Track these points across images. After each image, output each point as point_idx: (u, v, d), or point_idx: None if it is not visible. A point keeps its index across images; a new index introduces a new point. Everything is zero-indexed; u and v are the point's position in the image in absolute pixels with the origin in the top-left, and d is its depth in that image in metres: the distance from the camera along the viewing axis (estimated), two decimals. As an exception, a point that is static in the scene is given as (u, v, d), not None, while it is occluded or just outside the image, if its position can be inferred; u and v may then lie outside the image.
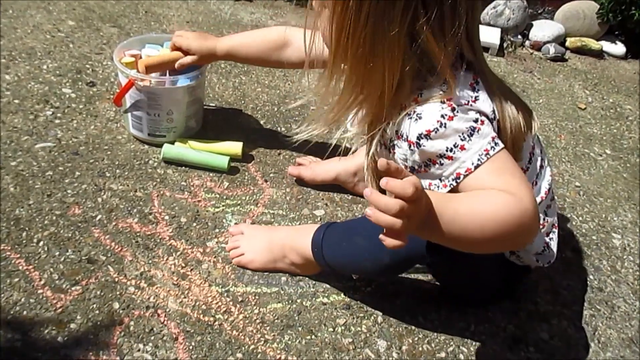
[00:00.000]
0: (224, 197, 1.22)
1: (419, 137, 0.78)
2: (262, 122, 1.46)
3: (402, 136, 0.81)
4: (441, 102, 0.78)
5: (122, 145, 1.30)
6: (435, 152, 0.78)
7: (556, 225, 0.99)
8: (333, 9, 0.76)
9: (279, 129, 1.45)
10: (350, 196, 1.27)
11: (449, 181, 0.79)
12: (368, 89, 0.81)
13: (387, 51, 0.75)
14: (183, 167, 1.27)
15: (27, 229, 1.07)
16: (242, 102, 1.52)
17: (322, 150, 1.37)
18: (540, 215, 0.95)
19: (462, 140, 0.77)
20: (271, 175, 1.30)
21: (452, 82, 0.78)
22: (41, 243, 1.05)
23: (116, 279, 1.01)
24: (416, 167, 0.82)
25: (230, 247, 1.09)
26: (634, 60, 2.18)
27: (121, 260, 1.04)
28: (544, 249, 0.97)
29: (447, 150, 0.77)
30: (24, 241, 1.04)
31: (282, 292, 1.04)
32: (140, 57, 1.30)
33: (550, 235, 0.97)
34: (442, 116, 0.77)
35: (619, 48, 2.17)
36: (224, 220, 1.17)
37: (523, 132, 0.84)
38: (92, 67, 1.55)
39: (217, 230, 1.14)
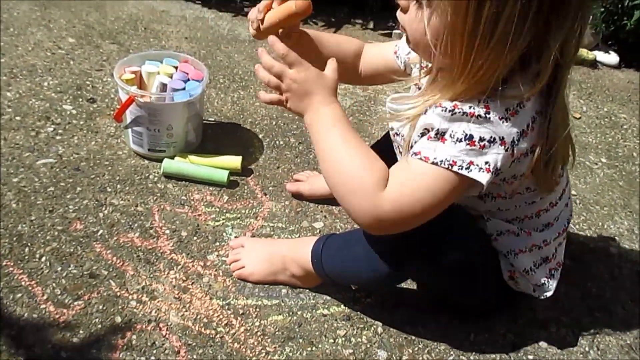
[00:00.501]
0: (224, 211, 1.23)
1: (429, 107, 0.76)
2: (260, 136, 1.47)
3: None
4: (484, 99, 0.73)
5: (123, 161, 1.32)
6: (426, 124, 0.76)
7: (561, 263, 0.99)
8: (454, 16, 0.69)
9: (277, 142, 1.46)
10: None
11: (412, 151, 0.77)
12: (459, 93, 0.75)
13: (503, 61, 0.70)
14: (183, 182, 1.28)
15: (29, 244, 1.08)
16: (241, 116, 1.54)
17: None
18: (553, 250, 0.96)
19: (450, 136, 0.74)
20: (270, 188, 1.31)
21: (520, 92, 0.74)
22: (43, 258, 1.06)
23: (118, 294, 1.02)
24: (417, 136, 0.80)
25: (231, 260, 1.11)
26: (627, 69, 2.20)
27: (123, 275, 1.05)
28: (544, 283, 0.97)
29: (433, 130, 0.75)
30: (27, 257, 1.05)
31: (282, 304, 1.05)
32: (140, 74, 1.32)
33: (553, 272, 0.98)
34: (470, 107, 0.73)
35: (612, 58, 2.20)
36: (224, 234, 1.18)
37: (554, 169, 0.83)
38: (92, 83, 1.57)
39: (217, 243, 1.15)
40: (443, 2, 0.69)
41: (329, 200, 1.28)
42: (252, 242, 1.13)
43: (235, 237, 1.17)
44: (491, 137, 0.73)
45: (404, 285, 1.11)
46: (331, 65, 0.86)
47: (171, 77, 1.32)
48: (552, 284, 0.98)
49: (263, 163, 1.38)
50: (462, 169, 0.73)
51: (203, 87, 1.31)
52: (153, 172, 1.30)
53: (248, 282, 1.08)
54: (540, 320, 1.10)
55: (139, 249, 1.11)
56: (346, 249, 0.99)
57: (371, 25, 2.15)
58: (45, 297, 0.99)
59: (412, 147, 0.79)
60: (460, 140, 0.73)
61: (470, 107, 0.73)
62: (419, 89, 0.90)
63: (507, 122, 0.73)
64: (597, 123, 1.82)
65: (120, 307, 0.99)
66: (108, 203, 1.20)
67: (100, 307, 0.99)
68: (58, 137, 1.35)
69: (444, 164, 0.73)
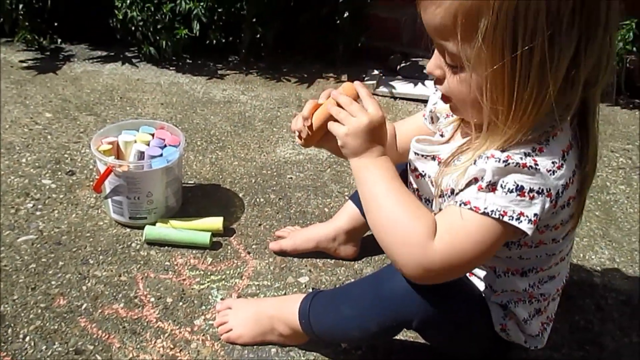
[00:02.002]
0: (209, 273, 1.23)
1: (480, 157, 0.76)
2: (240, 195, 1.49)
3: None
4: (532, 149, 0.74)
5: (104, 231, 1.32)
6: (480, 174, 0.76)
7: (552, 319, 1.00)
8: (491, 62, 0.70)
9: (257, 200, 1.48)
10: (333, 260, 1.29)
11: (455, 200, 0.78)
12: (514, 134, 0.74)
13: (545, 93, 0.71)
14: (166, 247, 1.28)
15: (12, 325, 1.06)
16: (220, 177, 1.56)
17: (301, 217, 1.41)
18: (546, 303, 0.96)
19: (501, 186, 0.74)
20: (253, 246, 1.32)
21: (555, 134, 0.76)
22: (27, 338, 1.04)
23: (105, 368, 1.00)
24: (464, 186, 0.79)
25: (218, 323, 1.10)
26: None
27: (109, 348, 1.04)
28: (538, 334, 0.97)
29: (483, 181, 0.75)
30: (10, 338, 1.04)
31: (272, 364, 1.04)
32: (117, 144, 1.34)
33: (545, 326, 0.99)
34: (521, 158, 0.73)
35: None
36: (210, 297, 1.17)
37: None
38: (70, 156, 1.58)
39: (203, 307, 1.15)
40: (479, 57, 0.71)
41: (312, 253, 1.29)
42: (239, 303, 1.13)
43: (222, 299, 1.17)
44: (540, 188, 0.74)
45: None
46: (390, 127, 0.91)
47: (148, 145, 1.34)
48: (545, 336, 0.99)
49: (245, 222, 1.39)
50: (512, 219, 0.74)
51: (180, 151, 1.33)
52: (135, 240, 1.30)
53: (237, 345, 1.06)
54: (532, 358, 1.10)
55: (125, 319, 1.10)
56: (334, 308, 0.98)
57: (344, 77, 2.21)
58: (30, 379, 0.97)
59: (453, 193, 0.80)
60: (512, 191, 0.74)
61: (521, 158, 0.74)
62: (442, 135, 0.93)
63: (553, 174, 0.75)
64: (569, 156, 1.87)
65: (107, 382, 0.98)
66: (91, 275, 1.20)
67: (87, 384, 0.97)
68: (38, 213, 1.35)
69: (495, 214, 0.74)
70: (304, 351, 1.06)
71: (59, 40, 2.30)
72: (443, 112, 0.96)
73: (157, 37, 2.13)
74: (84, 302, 1.13)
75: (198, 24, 2.11)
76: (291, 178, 1.57)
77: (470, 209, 0.76)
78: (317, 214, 1.43)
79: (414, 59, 2.24)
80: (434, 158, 0.89)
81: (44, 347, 1.03)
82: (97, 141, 1.33)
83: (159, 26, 2.11)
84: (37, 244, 1.26)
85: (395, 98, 2.07)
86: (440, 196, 0.85)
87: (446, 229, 0.77)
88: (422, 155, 0.91)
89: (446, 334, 0.96)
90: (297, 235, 1.30)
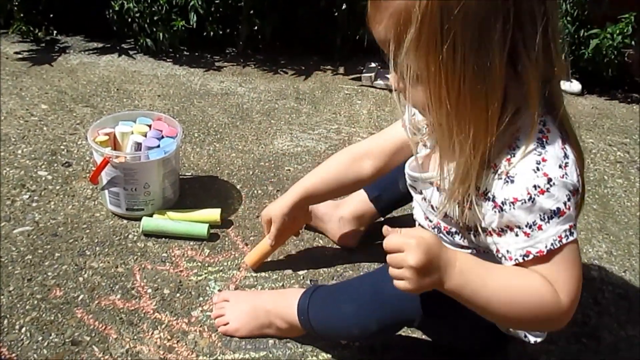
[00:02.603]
0: (206, 265, 1.23)
1: (504, 202, 0.76)
2: (238, 187, 1.48)
3: (488, 196, 0.78)
4: (537, 164, 0.75)
5: (101, 222, 1.31)
6: (515, 222, 0.76)
7: None
8: (427, 71, 0.71)
9: (255, 191, 1.47)
10: (331, 252, 1.29)
11: (515, 255, 0.78)
12: (474, 141, 0.75)
13: (490, 89, 0.71)
14: (163, 239, 1.28)
15: (8, 316, 1.06)
16: (218, 168, 1.55)
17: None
18: None
19: (541, 220, 0.75)
20: (251, 238, 1.31)
21: (546, 137, 0.76)
22: (23, 329, 1.04)
23: (102, 359, 1.00)
24: (493, 229, 0.79)
25: (215, 315, 1.09)
26: (590, 95, 2.27)
27: (106, 339, 1.03)
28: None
29: (526, 226, 0.76)
30: (6, 329, 1.03)
31: (270, 355, 1.04)
32: (114, 135, 1.33)
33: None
34: (535, 187, 0.74)
35: (575, 86, 2.27)
36: (208, 288, 1.17)
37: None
38: (67, 147, 1.57)
39: (201, 298, 1.14)
40: (416, 66, 0.72)
41: (310, 244, 1.28)
42: (236, 295, 1.13)
43: (219, 290, 1.16)
44: (567, 195, 0.75)
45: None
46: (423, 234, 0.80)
47: (145, 136, 1.33)
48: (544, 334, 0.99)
49: (242, 213, 1.39)
50: (568, 237, 0.76)
51: (177, 143, 1.33)
52: (132, 232, 1.29)
53: (234, 337, 1.06)
54: (529, 352, 1.10)
55: (121, 311, 1.10)
56: (333, 306, 0.98)
57: (341, 70, 2.20)
58: (26, 370, 0.96)
59: (481, 229, 0.81)
60: (552, 217, 0.75)
61: (535, 187, 0.74)
62: (425, 145, 0.92)
63: (567, 176, 0.75)
64: (567, 150, 1.86)
65: (104, 373, 0.97)
66: (88, 266, 1.19)
67: (84, 374, 0.97)
68: (34, 204, 1.34)
69: (556, 244, 0.75)
70: (301, 343, 1.06)
71: (55, 32, 2.28)
72: (422, 122, 0.94)
73: (154, 29, 2.12)
74: (80, 293, 1.13)
75: (195, 16, 2.10)
76: (289, 170, 1.57)
77: (535, 256, 0.76)
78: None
79: (412, 52, 2.23)
80: (431, 183, 0.89)
81: (40, 338, 1.02)
82: (94, 132, 1.32)
83: (155, 18, 2.10)
84: (34, 235, 1.25)
85: (392, 91, 2.06)
86: (466, 229, 0.85)
87: (556, 282, 0.77)
88: (419, 181, 0.91)
89: (447, 329, 0.96)
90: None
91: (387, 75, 2.09)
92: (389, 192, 1.24)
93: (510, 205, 0.76)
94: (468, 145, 0.74)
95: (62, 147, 1.57)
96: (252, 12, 2.15)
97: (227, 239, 1.30)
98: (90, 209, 1.35)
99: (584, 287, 1.24)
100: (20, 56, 2.09)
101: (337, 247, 1.30)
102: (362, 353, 1.05)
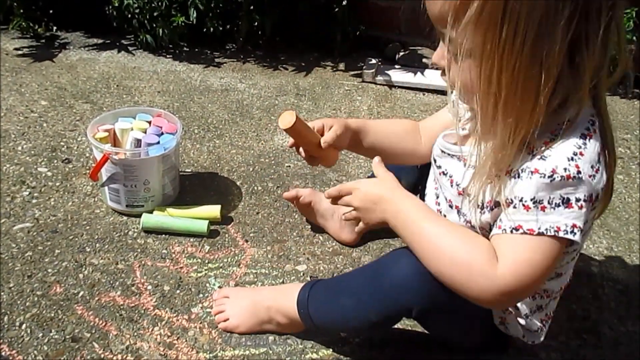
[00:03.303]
0: (206, 261, 1.23)
1: (523, 170, 0.76)
2: (238, 183, 1.48)
3: (513, 173, 0.77)
4: (573, 154, 0.74)
5: (101, 219, 1.31)
6: (520, 193, 0.76)
7: (550, 317, 0.99)
8: (482, 48, 0.71)
9: (255, 188, 1.47)
10: (331, 248, 1.28)
11: (505, 225, 0.77)
12: (517, 127, 0.74)
13: (545, 76, 0.70)
14: (163, 235, 1.28)
15: (8, 312, 1.06)
16: (218, 165, 1.55)
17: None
18: (547, 301, 0.95)
19: (549, 202, 0.74)
20: (251, 235, 1.31)
21: (590, 135, 0.75)
22: (24, 326, 1.04)
23: (102, 356, 1.00)
24: (491, 206, 0.80)
25: (215, 311, 1.09)
26: (591, 91, 2.27)
27: (106, 336, 1.03)
28: (537, 330, 0.97)
29: (530, 200, 0.75)
30: (6, 326, 1.03)
31: (270, 351, 1.04)
32: (114, 132, 1.33)
33: (545, 323, 0.98)
34: (565, 169, 0.73)
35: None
36: (208, 285, 1.17)
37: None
38: (66, 144, 1.57)
39: (201, 295, 1.14)
40: (473, 43, 0.71)
41: (310, 241, 1.28)
42: (236, 292, 1.13)
43: (219, 287, 1.16)
44: (585, 196, 0.74)
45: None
46: (379, 170, 0.94)
47: (145, 132, 1.33)
48: (543, 332, 0.98)
49: (242, 210, 1.39)
50: (566, 233, 0.75)
51: (177, 139, 1.32)
52: (132, 228, 1.29)
53: (234, 333, 1.06)
54: (529, 347, 1.09)
55: (122, 307, 1.10)
56: (332, 299, 0.98)
57: (341, 66, 2.20)
58: (26, 366, 0.96)
59: (490, 206, 0.81)
60: (559, 205, 0.74)
61: (565, 169, 0.73)
62: (463, 129, 0.91)
63: (594, 179, 0.75)
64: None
65: (104, 369, 0.97)
66: (88, 263, 1.19)
67: (84, 371, 0.97)
68: (34, 201, 1.34)
69: (549, 231, 0.75)
70: (301, 339, 1.06)
71: (55, 28, 2.28)
72: (463, 108, 0.93)
73: (154, 25, 2.12)
74: (80, 289, 1.13)
75: (195, 12, 2.09)
76: (289, 166, 1.56)
77: (524, 232, 0.76)
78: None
79: (412, 48, 2.23)
80: (459, 158, 0.89)
81: (40, 335, 1.02)
82: (94, 129, 1.32)
83: (155, 14, 2.10)
84: (34, 232, 1.25)
85: (392, 87, 2.06)
86: (479, 207, 0.83)
87: (507, 258, 0.77)
88: (448, 154, 0.91)
89: (446, 322, 0.96)
90: (315, 191, 1.31)
91: (387, 72, 2.08)
92: None
93: (528, 174, 0.75)
94: (509, 130, 0.74)
95: (62, 143, 1.57)
96: (252, 7, 2.14)
97: (227, 235, 1.30)
98: (90, 206, 1.35)
99: (584, 282, 1.26)
100: (20, 52, 2.08)
101: (338, 243, 1.30)
102: (361, 349, 1.06)
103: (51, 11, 2.25)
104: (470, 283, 0.78)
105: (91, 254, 1.21)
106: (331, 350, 1.05)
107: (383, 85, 2.06)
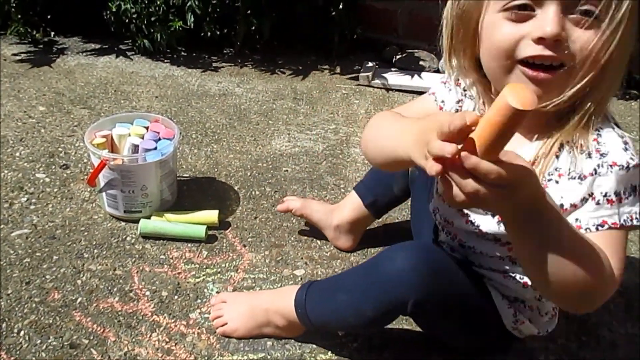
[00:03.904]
0: (204, 267, 1.23)
1: (600, 166, 0.75)
2: (236, 188, 1.48)
3: (571, 175, 0.78)
4: (624, 144, 0.76)
5: (99, 225, 1.31)
6: (603, 188, 0.75)
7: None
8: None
9: (253, 192, 1.47)
10: (329, 253, 1.29)
11: (587, 224, 0.76)
12: (601, 107, 0.77)
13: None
14: (161, 240, 1.28)
15: (6, 319, 1.06)
16: (215, 170, 1.55)
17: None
18: None
19: (624, 193, 0.75)
20: (249, 239, 1.31)
21: (616, 123, 0.78)
22: (22, 332, 1.04)
23: (100, 362, 1.00)
24: (570, 204, 0.78)
25: (213, 316, 1.09)
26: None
27: (104, 342, 1.03)
28: (551, 317, 0.99)
29: (614, 194, 0.75)
30: (4, 332, 1.03)
31: (268, 356, 1.04)
32: (111, 137, 1.33)
33: (555, 310, 1.00)
34: (631, 158, 0.75)
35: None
36: (206, 290, 1.17)
37: None
38: (64, 149, 1.57)
39: (199, 300, 1.14)
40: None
41: (308, 246, 1.28)
42: (234, 296, 1.13)
43: (217, 292, 1.16)
44: None
45: (390, 326, 1.10)
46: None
47: (142, 138, 1.33)
48: (556, 317, 1.00)
49: (240, 215, 1.39)
50: (638, 220, 0.75)
51: (175, 144, 1.33)
52: (130, 234, 1.29)
53: (232, 338, 1.06)
54: (529, 349, 1.10)
55: (120, 313, 1.10)
56: (329, 295, 0.98)
57: (338, 70, 2.20)
58: (24, 373, 0.96)
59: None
60: (631, 194, 0.75)
61: (632, 159, 0.75)
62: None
63: None
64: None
65: (102, 376, 0.97)
66: (86, 269, 1.19)
67: (82, 378, 0.97)
68: (32, 207, 1.34)
69: (627, 222, 0.75)
70: (299, 344, 1.06)
71: (52, 33, 2.28)
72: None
73: (151, 30, 2.12)
74: (78, 296, 1.13)
75: (192, 17, 2.09)
76: (287, 171, 1.57)
77: (610, 227, 0.75)
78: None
79: (409, 51, 2.23)
80: None
81: (38, 342, 1.02)
82: (91, 134, 1.32)
83: (152, 19, 2.10)
84: (32, 238, 1.25)
85: (389, 90, 2.06)
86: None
87: (614, 259, 0.73)
88: None
89: (440, 321, 0.96)
90: (307, 202, 1.31)
91: (384, 75, 2.08)
92: (384, 197, 1.24)
93: (608, 169, 0.75)
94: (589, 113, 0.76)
95: (60, 149, 1.57)
96: (249, 11, 2.14)
97: (225, 240, 1.30)
98: (88, 212, 1.35)
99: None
100: (18, 58, 2.09)
101: (336, 247, 1.30)
102: (360, 352, 1.06)
103: (49, 16, 2.25)
104: (601, 287, 0.72)
105: (89, 260, 1.21)
106: (329, 354, 1.05)
107: (380, 88, 2.06)
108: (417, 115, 0.90)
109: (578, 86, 0.74)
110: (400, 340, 1.09)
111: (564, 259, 0.67)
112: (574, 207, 0.78)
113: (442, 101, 0.96)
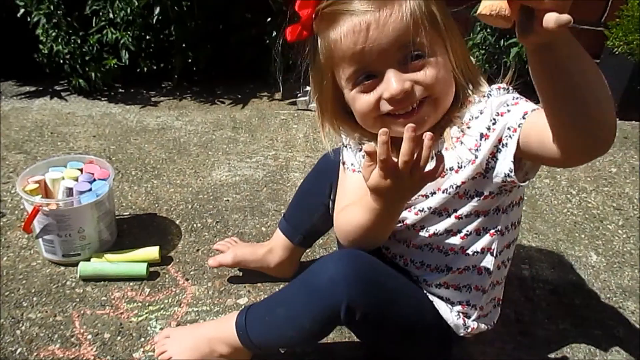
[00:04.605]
0: (147, 304, 1.23)
1: (492, 90, 0.89)
2: (177, 222, 1.49)
3: (470, 121, 0.89)
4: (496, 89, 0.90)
5: (38, 271, 1.30)
6: (504, 99, 0.86)
7: (500, 299, 1.08)
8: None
9: (194, 225, 1.48)
10: (271, 278, 1.30)
11: (517, 122, 0.82)
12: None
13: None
14: (102, 282, 1.27)
15: (-59, 378, 1.04)
16: (156, 205, 1.55)
17: (239, 239, 1.41)
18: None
19: (514, 98, 0.86)
20: (192, 272, 1.32)
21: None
22: (-42, 390, 1.02)
23: (42, 412, 0.99)
24: (482, 156, 0.87)
25: (157, 353, 1.09)
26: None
27: (45, 391, 1.02)
28: (495, 306, 1.05)
29: (513, 98, 0.85)
30: (-61, 392, 1.01)
31: (214, 389, 1.04)
32: (45, 182, 1.33)
33: (496, 304, 1.06)
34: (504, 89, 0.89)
35: (502, 92, 2.38)
36: (149, 328, 1.17)
37: None
38: (0, 197, 1.55)
39: (142, 339, 1.14)
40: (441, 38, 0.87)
41: (251, 274, 1.30)
42: (177, 331, 1.13)
43: (161, 329, 1.16)
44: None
45: (338, 340, 1.12)
46: None
47: (77, 180, 1.33)
48: (499, 308, 1.06)
49: (182, 249, 1.39)
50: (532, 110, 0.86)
51: (110, 184, 1.33)
52: (70, 278, 1.28)
53: (177, 374, 1.07)
54: (468, 351, 1.14)
55: (61, 360, 1.09)
56: (268, 314, 1.00)
57: (277, 96, 2.24)
58: None
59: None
60: (515, 98, 0.89)
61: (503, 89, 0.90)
62: None
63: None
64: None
65: None
66: (25, 318, 1.17)
67: None
68: (-34, 259, 1.32)
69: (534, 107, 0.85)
70: (245, 372, 1.07)
71: (-16, 79, 2.25)
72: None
73: (86, 69, 2.12)
74: (18, 346, 1.11)
75: (127, 53, 2.11)
76: (228, 200, 1.58)
77: (533, 110, 0.82)
78: (255, 234, 1.45)
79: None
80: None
81: (-24, 398, 1.00)
82: (23, 181, 1.31)
83: (87, 58, 2.10)
84: (-33, 291, 1.23)
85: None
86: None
87: None
88: None
89: (377, 329, 0.98)
90: (238, 248, 1.31)
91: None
92: (310, 231, 1.26)
93: (498, 91, 0.89)
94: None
95: (-6, 197, 1.55)
96: (184, 45, 2.17)
97: (167, 275, 1.31)
98: (26, 259, 1.33)
99: (515, 286, 1.32)
100: (-52, 107, 2.05)
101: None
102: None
103: (-21, 62, 2.22)
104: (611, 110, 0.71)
105: (28, 309, 1.20)
106: (274, 380, 1.07)
107: (318, 111, 2.11)
108: (357, 190, 0.98)
109: (448, 99, 0.90)
110: (346, 354, 1.12)
111: (598, 82, 0.68)
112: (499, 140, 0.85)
113: (352, 164, 1.03)
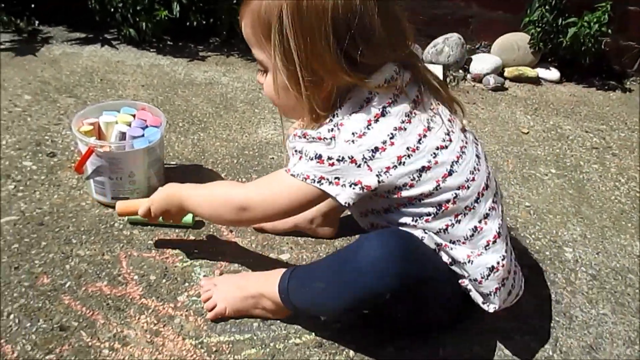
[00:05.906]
0: (192, 252, 1.25)
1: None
2: (223, 175, 1.50)
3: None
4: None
5: (87, 211, 1.33)
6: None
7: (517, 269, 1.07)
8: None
9: (240, 180, 1.50)
10: (315, 239, 1.32)
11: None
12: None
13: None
14: (149, 227, 1.30)
15: (-4, 303, 1.08)
16: (202, 157, 1.57)
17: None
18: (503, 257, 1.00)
19: (305, 154, 0.92)
20: (235, 225, 1.34)
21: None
22: (12, 316, 1.06)
23: (90, 343, 1.02)
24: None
25: (204, 298, 1.12)
26: (568, 83, 2.32)
27: (93, 324, 1.06)
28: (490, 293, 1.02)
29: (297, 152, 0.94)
30: (-6, 316, 1.05)
31: (255, 337, 1.07)
32: (99, 125, 1.35)
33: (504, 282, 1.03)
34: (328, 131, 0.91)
35: (553, 73, 2.32)
36: (193, 274, 1.19)
37: None
38: (51, 138, 1.58)
39: (186, 284, 1.17)
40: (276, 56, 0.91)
41: (293, 232, 1.31)
42: (223, 280, 1.15)
43: (204, 276, 1.19)
44: (333, 157, 0.91)
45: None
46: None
47: (129, 125, 1.35)
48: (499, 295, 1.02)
49: (227, 201, 1.41)
50: (304, 180, 0.94)
51: (162, 132, 1.34)
52: (118, 220, 1.31)
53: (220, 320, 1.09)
54: (502, 329, 1.14)
55: (108, 297, 1.12)
56: (308, 284, 1.02)
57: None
58: (15, 355, 0.99)
59: None
60: (312, 159, 0.93)
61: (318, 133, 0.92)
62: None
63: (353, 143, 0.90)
64: (545, 136, 1.91)
65: (92, 357, 1.00)
66: (74, 254, 1.21)
67: (73, 359, 0.99)
68: (20, 194, 1.36)
69: (300, 176, 0.94)
70: (285, 325, 1.10)
71: (37, 22, 2.27)
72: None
73: (137, 19, 2.12)
74: (67, 280, 1.15)
75: (178, 6, 2.11)
76: (273, 158, 1.59)
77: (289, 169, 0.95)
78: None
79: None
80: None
81: (28, 324, 1.04)
82: (78, 122, 1.34)
83: (138, 7, 2.10)
84: (20, 224, 1.27)
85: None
86: None
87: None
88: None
89: (413, 304, 1.00)
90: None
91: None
92: None
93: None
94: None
95: (46, 137, 1.58)
96: (234, 1, 2.16)
97: (212, 226, 1.33)
98: (76, 199, 1.37)
99: (557, 267, 1.31)
100: (2, 47, 2.08)
101: (319, 234, 1.33)
102: (343, 333, 1.09)
103: (33, 5, 2.24)
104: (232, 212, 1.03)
105: (77, 246, 1.23)
106: (314, 334, 1.08)
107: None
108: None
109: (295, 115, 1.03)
110: (381, 321, 1.12)
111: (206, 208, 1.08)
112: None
113: None
